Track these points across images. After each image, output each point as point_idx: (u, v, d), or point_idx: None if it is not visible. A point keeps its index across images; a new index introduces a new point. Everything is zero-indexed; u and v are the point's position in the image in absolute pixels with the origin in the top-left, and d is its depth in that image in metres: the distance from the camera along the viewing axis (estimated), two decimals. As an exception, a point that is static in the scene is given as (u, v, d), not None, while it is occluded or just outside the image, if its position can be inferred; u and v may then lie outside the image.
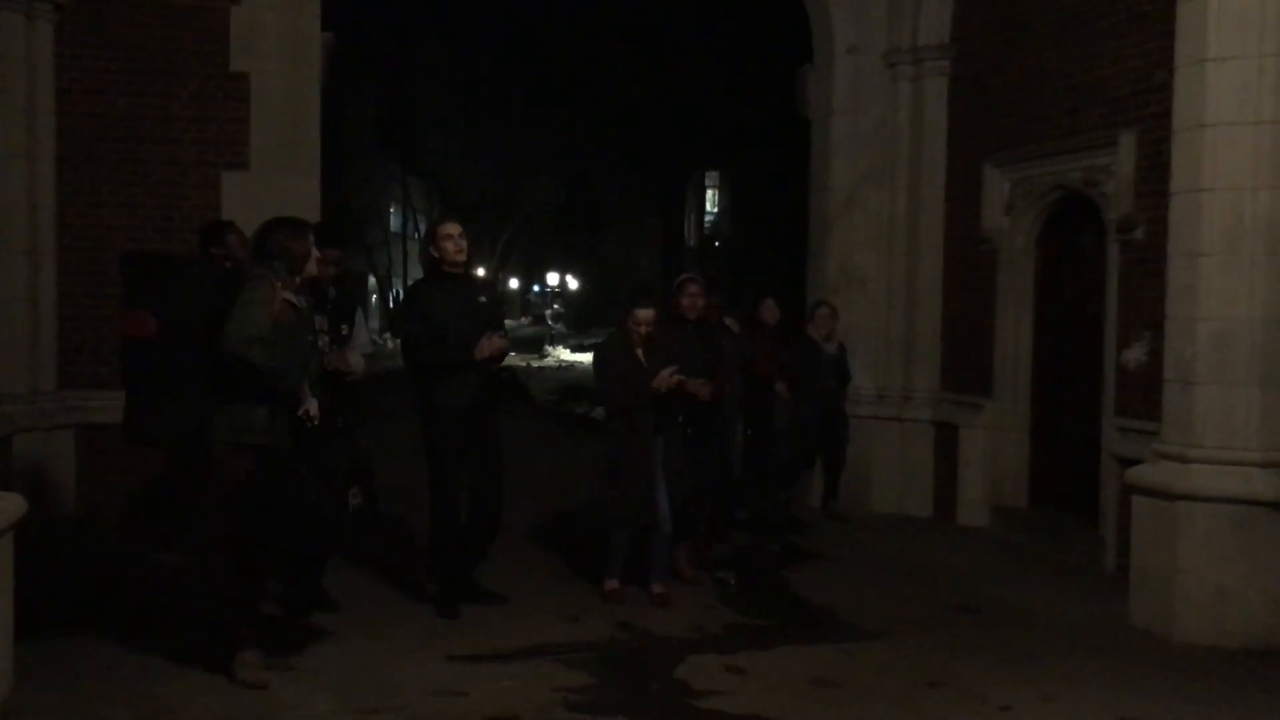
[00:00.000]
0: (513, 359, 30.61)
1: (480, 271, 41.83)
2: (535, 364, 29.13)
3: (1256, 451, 5.67)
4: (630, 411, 6.16)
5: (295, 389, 4.88)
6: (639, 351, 6.21)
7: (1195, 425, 5.76)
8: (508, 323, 7.60)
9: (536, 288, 63.96)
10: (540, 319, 51.80)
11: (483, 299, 6.03)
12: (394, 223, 41.67)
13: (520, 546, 7.36)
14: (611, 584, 6.31)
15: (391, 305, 40.02)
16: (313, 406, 5.04)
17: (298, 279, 4.90)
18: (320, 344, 5.75)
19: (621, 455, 6.17)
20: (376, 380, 7.13)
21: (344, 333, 5.90)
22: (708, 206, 46.85)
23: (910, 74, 8.96)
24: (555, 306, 60.01)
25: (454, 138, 37.27)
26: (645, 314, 6.23)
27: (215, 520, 4.81)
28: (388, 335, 33.95)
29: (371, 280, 38.93)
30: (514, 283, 56.52)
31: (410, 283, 10.56)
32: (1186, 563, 5.72)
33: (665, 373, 6.10)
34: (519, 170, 38.47)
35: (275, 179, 7.65)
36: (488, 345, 5.81)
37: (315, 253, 4.99)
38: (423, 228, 40.62)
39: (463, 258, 5.94)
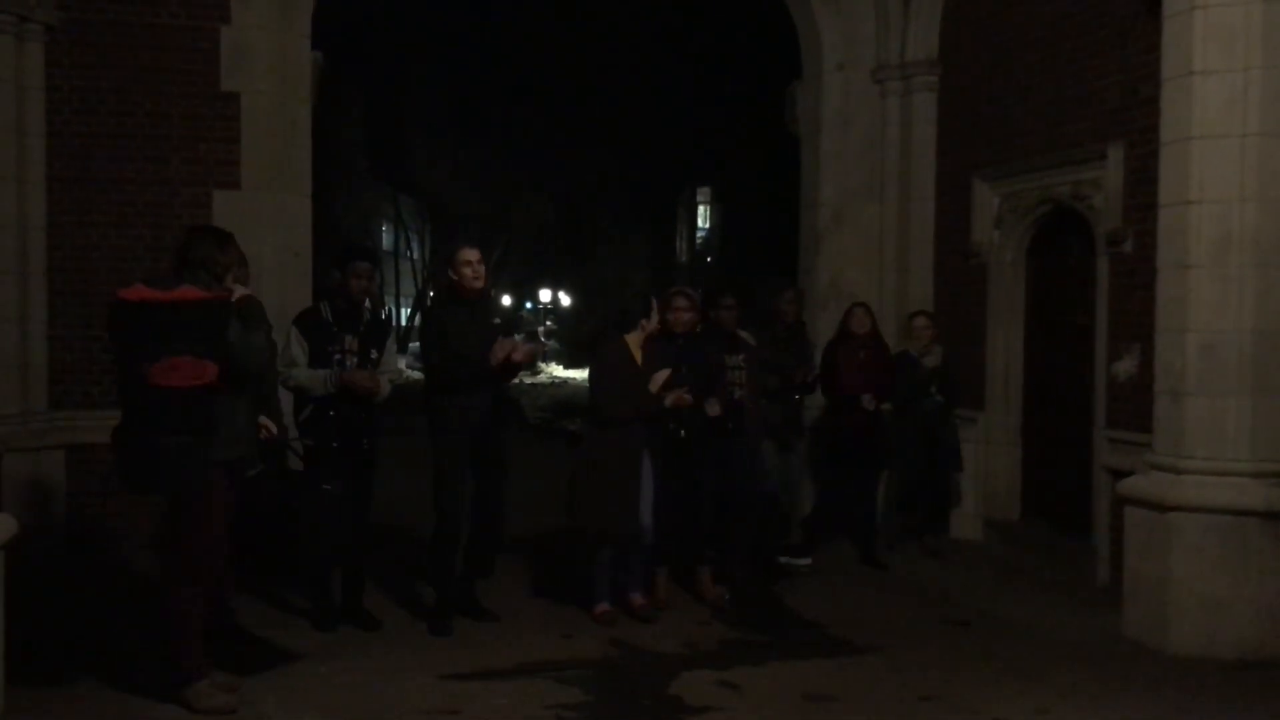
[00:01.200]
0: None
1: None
2: (528, 381, 29.08)
3: (1247, 462, 5.69)
4: (622, 422, 6.10)
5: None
6: (638, 356, 6.16)
7: (1186, 436, 5.78)
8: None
9: (529, 304, 63.95)
10: (533, 336, 51.77)
11: (497, 320, 6.18)
12: (385, 241, 41.65)
13: (513, 564, 7.33)
14: (602, 607, 6.24)
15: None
16: (270, 423, 5.18)
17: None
18: (348, 365, 5.81)
19: (606, 465, 6.09)
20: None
21: (373, 357, 5.95)
22: (699, 222, 46.92)
23: (899, 89, 9.00)
24: (548, 323, 59.98)
25: (444, 156, 37.29)
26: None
27: (192, 548, 4.76)
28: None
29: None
30: (506, 300, 56.45)
31: (413, 301, 10.72)
32: (1178, 574, 5.73)
33: (659, 375, 6.04)
34: (510, 187, 38.51)
35: (266, 198, 7.65)
36: (502, 347, 5.86)
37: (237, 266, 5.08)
38: (415, 246, 40.70)
39: (480, 284, 6.07)
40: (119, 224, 7.58)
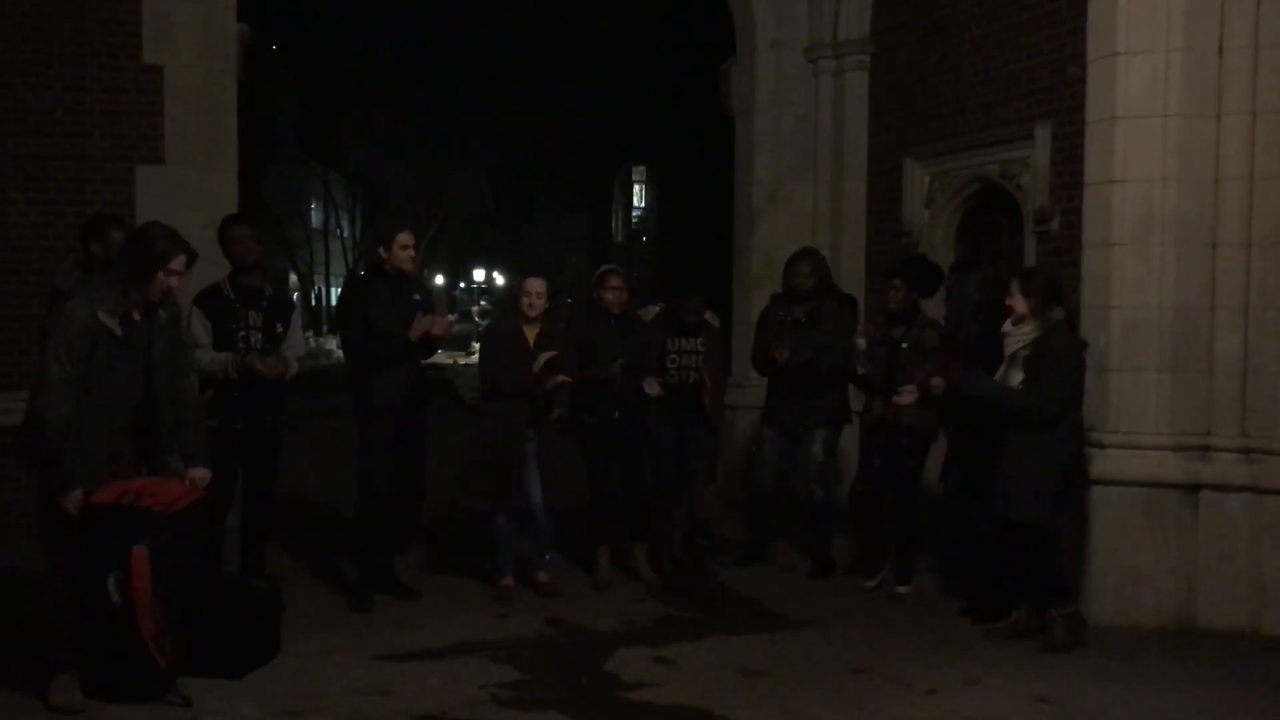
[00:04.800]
0: (440, 356, 30.33)
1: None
2: (463, 361, 28.86)
3: (1167, 435, 5.84)
4: (507, 397, 6.16)
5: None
6: (529, 334, 6.20)
7: (1109, 411, 5.91)
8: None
9: (463, 284, 63.50)
10: (467, 316, 51.45)
11: (417, 296, 6.15)
12: (315, 219, 40.97)
13: (448, 543, 7.30)
14: (506, 580, 6.29)
15: (314, 303, 39.37)
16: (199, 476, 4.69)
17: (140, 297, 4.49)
18: (252, 341, 5.73)
19: (492, 441, 6.17)
20: (305, 379, 7.06)
21: (278, 331, 5.88)
22: (635, 202, 46.83)
23: (831, 68, 9.05)
24: (482, 303, 59.61)
25: (376, 133, 36.78)
26: (536, 284, 6.25)
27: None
28: (310, 333, 33.45)
29: (293, 278, 38.29)
30: (440, 279, 55.99)
31: (343, 280, 10.75)
32: (1102, 546, 5.87)
33: (543, 356, 6.08)
34: (443, 166, 38.11)
35: (191, 174, 7.48)
36: (420, 324, 5.88)
37: (174, 282, 4.54)
38: (345, 224, 40.09)
39: (413, 268, 6.13)
40: (39, 201, 7.37)
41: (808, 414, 6.72)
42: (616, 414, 6.50)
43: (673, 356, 6.75)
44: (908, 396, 6.06)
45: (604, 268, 6.92)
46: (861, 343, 6.50)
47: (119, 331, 4.43)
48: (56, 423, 4.31)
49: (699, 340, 6.78)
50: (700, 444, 6.95)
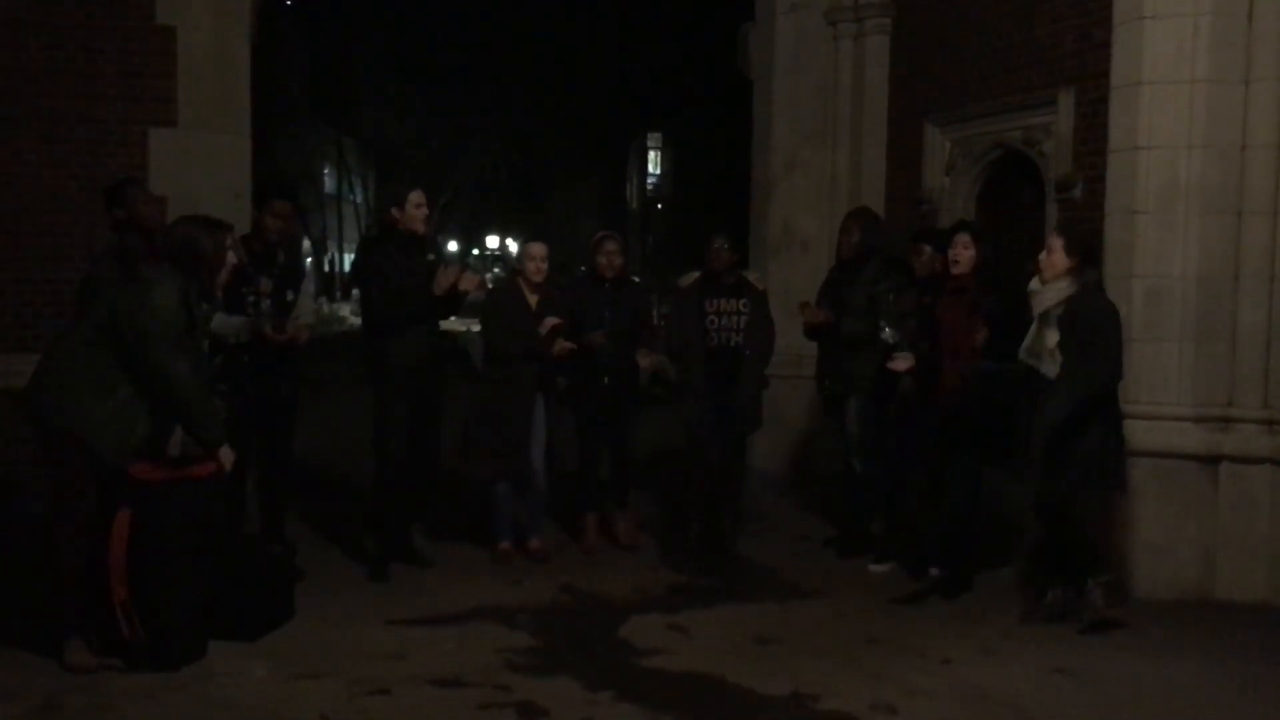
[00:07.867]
0: (454, 323, 30.33)
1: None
2: (475, 328, 28.88)
3: (1188, 406, 5.78)
4: (512, 361, 6.13)
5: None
6: (531, 300, 6.21)
7: (1130, 381, 5.82)
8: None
9: (476, 250, 63.43)
10: (481, 283, 51.47)
11: (431, 256, 6.22)
12: (329, 185, 40.90)
13: (460, 509, 7.30)
14: (503, 545, 6.31)
15: (327, 269, 39.44)
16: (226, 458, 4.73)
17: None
18: (262, 307, 5.71)
19: (499, 407, 6.14)
20: (317, 346, 7.05)
21: (289, 299, 5.86)
22: (650, 168, 46.56)
23: (852, 32, 8.91)
24: (497, 270, 59.58)
25: (390, 98, 36.66)
26: (537, 248, 6.30)
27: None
28: (324, 299, 33.48)
29: (306, 244, 38.31)
30: (453, 245, 55.96)
31: (357, 243, 10.85)
32: (1120, 517, 5.81)
33: (548, 320, 6.09)
34: (457, 131, 37.99)
35: (204, 137, 7.43)
36: (446, 275, 5.87)
37: (231, 257, 4.75)
38: (359, 190, 40.04)
39: (425, 228, 6.20)
40: (51, 163, 7.33)
41: (841, 380, 6.47)
42: (606, 380, 6.46)
43: (710, 318, 6.42)
44: (902, 363, 5.80)
45: (601, 233, 6.90)
46: (891, 298, 6.19)
47: (212, 326, 4.71)
48: (197, 384, 4.51)
49: (740, 301, 6.44)
50: (742, 411, 6.52)
